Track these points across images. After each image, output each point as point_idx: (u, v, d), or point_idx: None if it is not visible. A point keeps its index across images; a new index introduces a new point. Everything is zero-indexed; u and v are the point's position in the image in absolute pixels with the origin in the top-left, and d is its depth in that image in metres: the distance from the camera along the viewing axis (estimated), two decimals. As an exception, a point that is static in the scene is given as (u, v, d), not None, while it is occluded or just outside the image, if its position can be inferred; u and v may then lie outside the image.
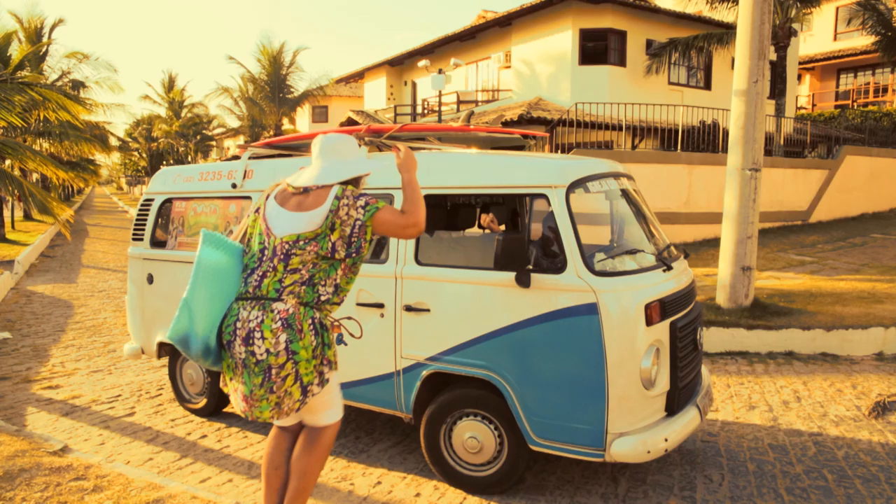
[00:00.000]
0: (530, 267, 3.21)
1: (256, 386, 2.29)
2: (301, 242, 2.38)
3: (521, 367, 3.25)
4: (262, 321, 2.29)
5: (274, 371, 2.27)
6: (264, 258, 2.42)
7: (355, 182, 2.63)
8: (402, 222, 2.41)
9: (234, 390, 2.41)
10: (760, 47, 6.82)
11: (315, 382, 2.36)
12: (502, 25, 17.75)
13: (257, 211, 2.56)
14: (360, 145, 3.91)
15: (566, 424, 3.17)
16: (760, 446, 4.16)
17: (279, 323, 2.29)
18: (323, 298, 2.42)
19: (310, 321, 2.35)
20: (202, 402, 4.79)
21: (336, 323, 3.43)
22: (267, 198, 2.58)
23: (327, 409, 2.53)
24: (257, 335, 2.27)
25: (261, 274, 2.39)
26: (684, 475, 3.75)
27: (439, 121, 15.86)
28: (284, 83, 26.88)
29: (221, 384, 2.55)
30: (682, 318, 3.43)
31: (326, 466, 3.90)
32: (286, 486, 2.55)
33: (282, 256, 2.38)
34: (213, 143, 44.79)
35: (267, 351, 2.27)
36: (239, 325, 2.32)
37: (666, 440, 3.13)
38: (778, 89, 15.30)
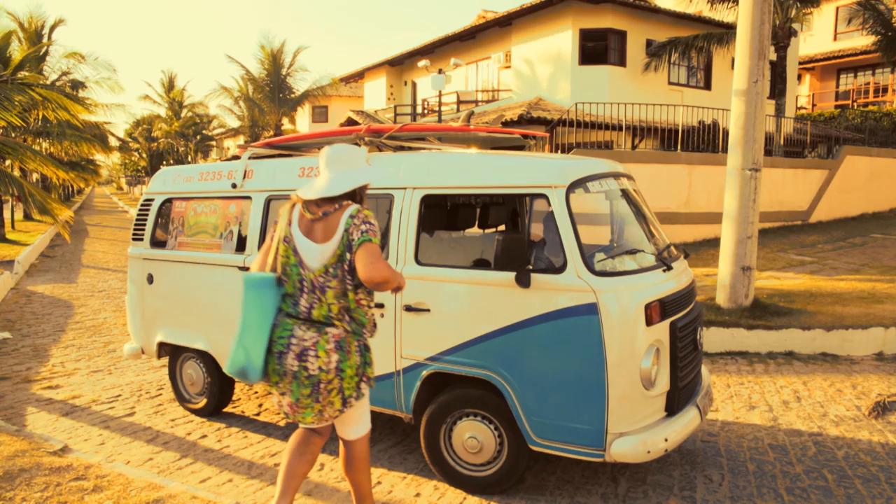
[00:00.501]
0: (530, 267, 3.21)
1: (304, 396, 2.54)
2: (330, 270, 2.55)
3: (521, 367, 3.25)
4: (318, 342, 2.53)
5: (322, 385, 2.53)
6: (305, 288, 2.59)
7: (361, 190, 2.70)
8: (375, 263, 2.46)
9: (280, 394, 2.64)
10: (760, 47, 6.82)
11: (354, 396, 2.62)
12: (502, 25, 17.75)
13: (286, 240, 2.64)
14: (360, 145, 3.93)
15: (566, 424, 3.17)
16: (760, 446, 4.16)
17: (332, 345, 2.54)
18: (368, 322, 2.68)
19: (356, 344, 2.62)
20: (202, 402, 4.79)
21: None
22: (289, 224, 2.66)
23: (356, 423, 2.77)
24: (311, 353, 2.51)
25: (308, 304, 2.58)
26: (684, 475, 3.75)
27: (439, 121, 15.86)
28: (284, 83, 26.88)
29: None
30: (682, 318, 3.43)
31: (326, 467, 3.91)
32: (303, 475, 2.77)
33: (321, 289, 2.56)
34: (213, 143, 44.79)
35: (319, 368, 2.52)
36: (294, 341, 2.54)
37: (666, 440, 3.14)
38: (778, 89, 15.30)
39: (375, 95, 24.58)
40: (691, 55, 16.70)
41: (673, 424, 3.25)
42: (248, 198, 4.37)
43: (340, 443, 2.85)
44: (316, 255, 2.56)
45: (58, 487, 3.35)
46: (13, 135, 16.75)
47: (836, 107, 23.19)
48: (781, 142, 14.93)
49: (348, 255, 2.51)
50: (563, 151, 13.11)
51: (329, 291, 2.54)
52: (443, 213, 4.69)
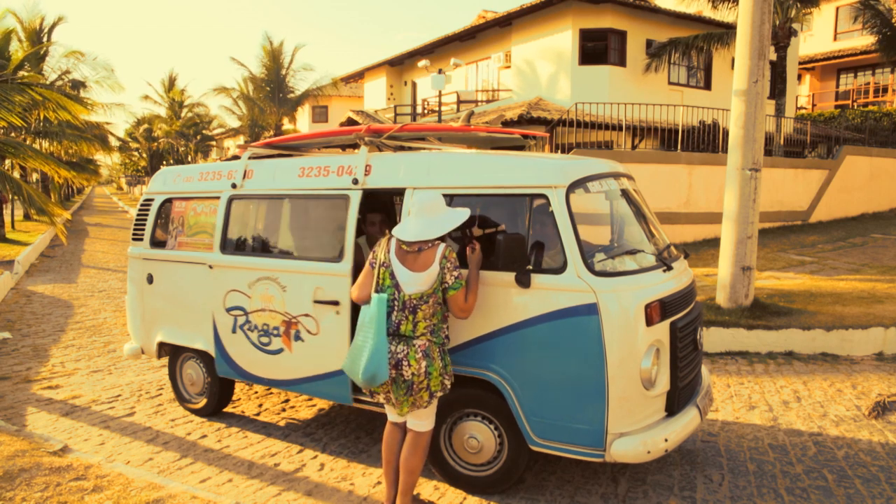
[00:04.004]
0: (530, 267, 3.21)
1: (402, 394, 3.08)
2: (425, 297, 3.08)
3: (522, 367, 3.25)
4: (408, 353, 3.06)
5: (415, 386, 3.06)
6: (396, 307, 3.11)
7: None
8: (462, 307, 3.14)
9: (377, 394, 3.16)
10: (760, 47, 6.82)
11: (439, 390, 3.13)
12: (502, 25, 17.75)
13: (384, 265, 3.15)
14: (360, 145, 3.93)
15: (566, 424, 3.17)
16: (760, 446, 4.16)
17: (420, 354, 3.06)
18: (443, 333, 3.18)
19: (438, 349, 3.13)
20: (202, 402, 4.79)
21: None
22: (388, 252, 3.16)
23: (427, 418, 3.22)
24: (405, 363, 3.05)
25: (397, 320, 3.10)
26: (684, 475, 3.75)
27: (439, 121, 15.86)
28: (284, 83, 26.87)
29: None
30: (682, 318, 3.42)
31: (326, 467, 3.92)
32: (399, 466, 3.25)
33: (411, 308, 3.09)
34: (213, 143, 44.77)
35: (413, 374, 3.04)
36: (389, 355, 3.06)
37: (666, 440, 3.14)
38: (778, 89, 15.30)
39: (375, 95, 24.58)
40: (691, 55, 16.69)
41: (673, 424, 3.25)
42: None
43: (408, 436, 3.25)
44: (411, 280, 3.08)
45: (58, 487, 3.35)
46: (13, 134, 16.73)
47: (836, 107, 23.19)
48: (781, 142, 14.93)
49: (440, 292, 3.09)
50: (563, 151, 13.11)
51: (419, 312, 3.08)
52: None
